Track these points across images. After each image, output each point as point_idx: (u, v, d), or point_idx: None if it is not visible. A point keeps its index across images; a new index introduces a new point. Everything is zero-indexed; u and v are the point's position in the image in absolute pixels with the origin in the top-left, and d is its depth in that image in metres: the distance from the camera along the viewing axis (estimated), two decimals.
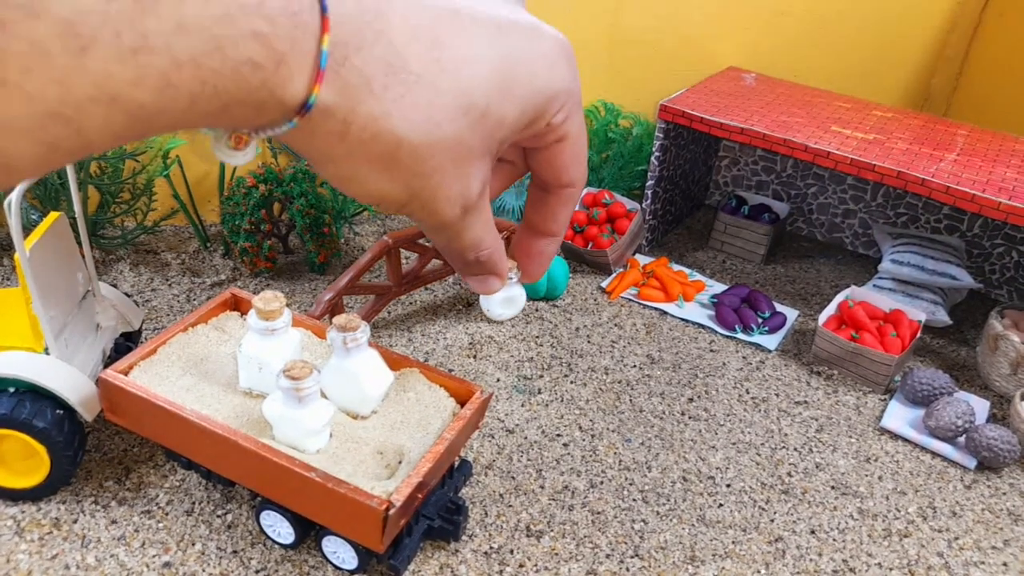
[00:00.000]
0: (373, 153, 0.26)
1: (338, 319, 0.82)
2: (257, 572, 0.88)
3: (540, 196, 0.34)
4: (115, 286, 1.18)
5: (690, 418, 1.17)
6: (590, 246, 1.49)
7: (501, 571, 0.90)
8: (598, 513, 0.99)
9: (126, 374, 0.86)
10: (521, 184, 1.60)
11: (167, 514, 0.93)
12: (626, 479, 1.05)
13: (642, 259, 1.54)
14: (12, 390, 0.87)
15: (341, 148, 0.25)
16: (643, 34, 1.57)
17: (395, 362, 0.93)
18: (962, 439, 1.14)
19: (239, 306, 1.01)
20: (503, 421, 1.12)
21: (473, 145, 0.27)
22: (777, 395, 1.23)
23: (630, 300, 1.43)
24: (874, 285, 1.45)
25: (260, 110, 0.23)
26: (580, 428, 1.12)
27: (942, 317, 1.37)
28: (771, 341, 1.35)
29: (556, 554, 0.93)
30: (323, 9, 0.23)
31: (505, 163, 0.34)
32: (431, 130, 0.26)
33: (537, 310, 1.38)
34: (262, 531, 0.90)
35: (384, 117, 0.25)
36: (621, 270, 1.51)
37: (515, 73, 0.27)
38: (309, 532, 0.89)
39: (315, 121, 0.24)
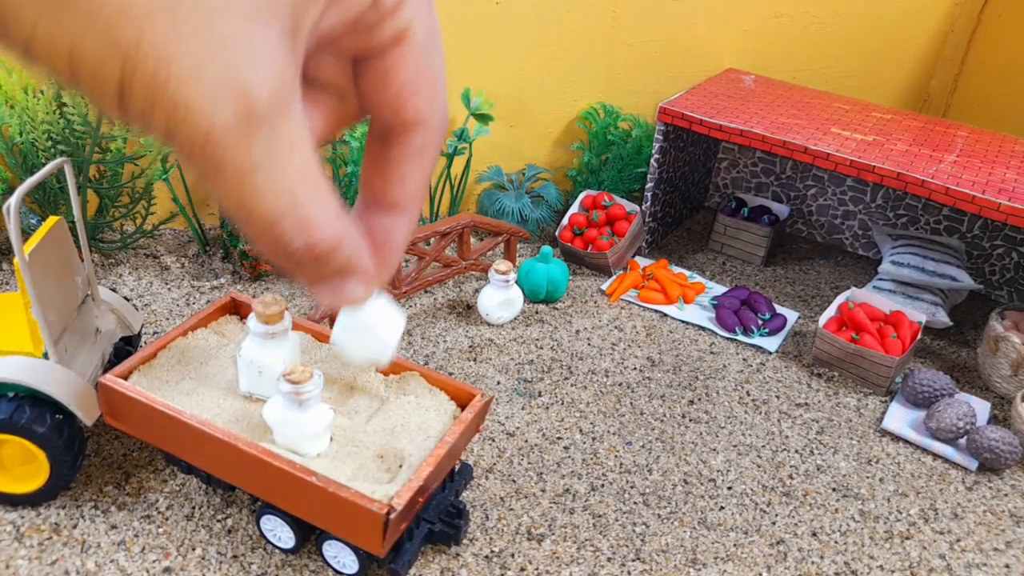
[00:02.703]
0: None
1: None
2: None
3: (379, 149, 0.23)
4: (114, 290, 1.18)
5: (691, 420, 1.16)
6: (590, 248, 1.49)
7: (503, 575, 0.90)
8: (599, 516, 0.99)
9: (126, 378, 0.86)
10: (520, 187, 1.60)
11: (167, 519, 0.93)
12: (627, 482, 1.04)
13: (642, 261, 1.54)
14: (11, 395, 0.87)
15: None
16: (642, 36, 1.57)
17: (395, 366, 0.93)
18: (963, 440, 1.14)
19: (239, 310, 1.01)
20: (503, 424, 1.12)
21: None
22: (778, 397, 1.23)
23: (630, 302, 1.43)
24: (874, 286, 1.45)
25: None
26: (581, 431, 1.12)
27: (942, 318, 1.37)
28: (771, 343, 1.34)
29: (557, 557, 0.93)
30: None
31: (330, 93, 0.22)
32: None
33: (537, 312, 1.38)
34: (262, 536, 0.90)
35: None
36: (621, 272, 1.50)
37: None
38: (309, 536, 0.88)
39: None
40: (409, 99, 0.21)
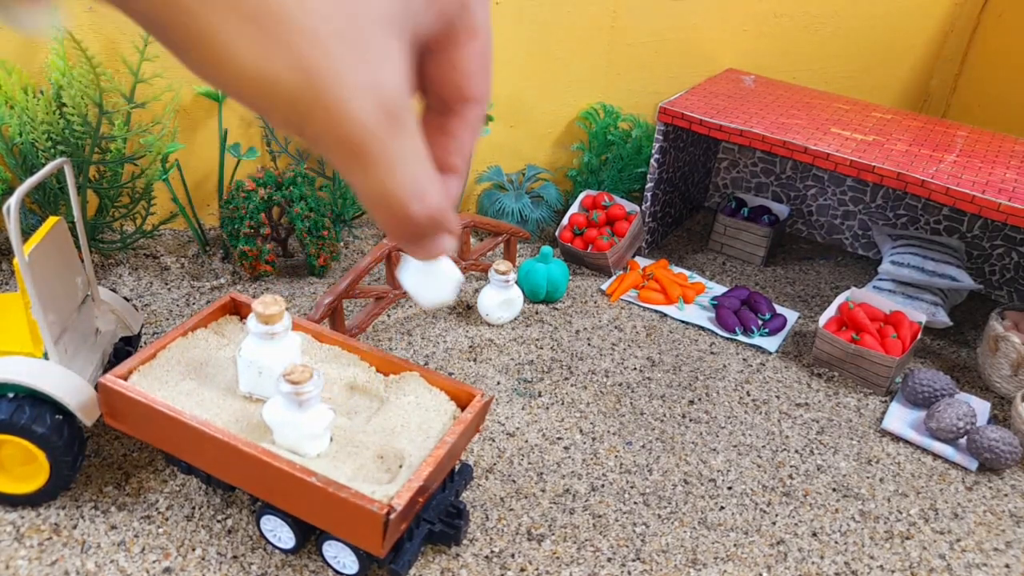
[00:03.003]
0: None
1: None
2: None
3: (438, 121, 0.26)
4: (114, 290, 1.18)
5: (691, 420, 1.16)
6: (590, 248, 1.49)
7: (503, 575, 0.90)
8: (599, 516, 0.99)
9: (126, 379, 0.86)
10: (520, 187, 1.60)
11: (167, 519, 0.93)
12: (627, 482, 1.04)
13: (642, 261, 1.54)
14: (11, 395, 0.87)
15: None
16: (642, 36, 1.57)
17: (395, 366, 0.93)
18: (963, 441, 1.14)
19: (239, 310, 1.01)
20: (503, 424, 1.12)
21: (382, 10, 0.20)
22: (778, 397, 1.23)
23: (630, 302, 1.43)
24: (874, 286, 1.45)
25: None
26: (581, 431, 1.12)
27: (942, 318, 1.37)
28: (771, 343, 1.34)
29: (557, 558, 0.93)
30: None
31: None
32: None
33: (537, 313, 1.38)
34: (262, 536, 0.90)
35: None
36: (621, 272, 1.50)
37: None
38: (309, 537, 0.88)
39: None
40: (472, 80, 0.25)
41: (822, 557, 0.96)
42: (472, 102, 0.26)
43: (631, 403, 1.19)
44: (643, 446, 1.11)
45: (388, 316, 1.33)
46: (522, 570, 0.91)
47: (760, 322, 1.36)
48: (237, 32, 0.18)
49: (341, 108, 0.20)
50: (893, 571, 0.95)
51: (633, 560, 0.93)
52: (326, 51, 0.19)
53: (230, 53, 0.19)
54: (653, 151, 1.47)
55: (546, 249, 1.38)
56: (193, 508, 0.95)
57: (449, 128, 0.26)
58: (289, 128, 0.20)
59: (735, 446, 1.12)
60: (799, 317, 1.44)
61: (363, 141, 0.20)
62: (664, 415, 1.17)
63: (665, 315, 1.40)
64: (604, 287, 1.46)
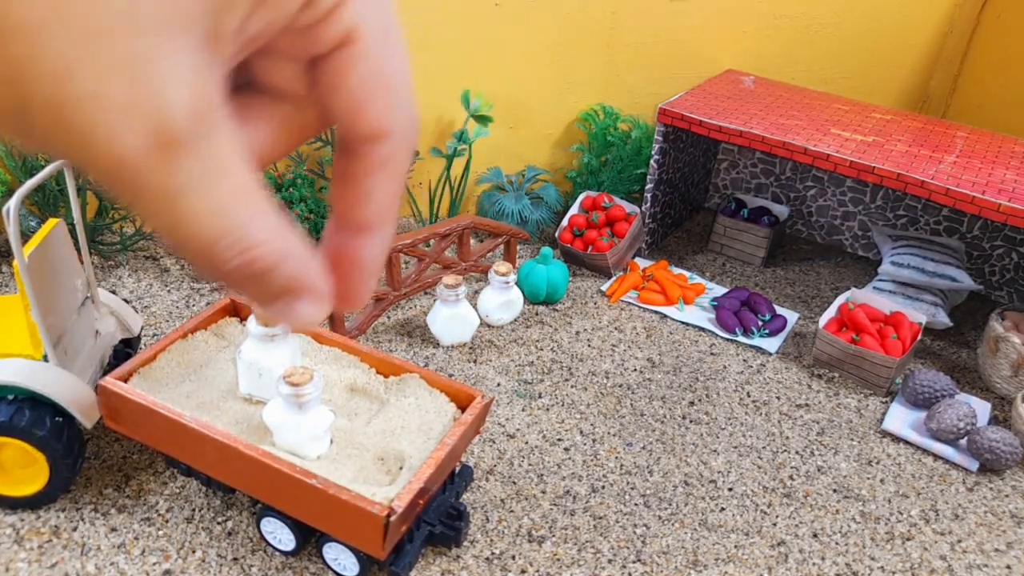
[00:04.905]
0: None
1: (446, 279, 1.18)
2: None
3: (343, 164, 0.20)
4: (114, 292, 1.18)
5: (691, 422, 1.16)
6: (590, 249, 1.49)
7: None
8: (600, 518, 0.99)
9: (125, 381, 0.86)
10: (520, 189, 1.60)
11: (167, 521, 0.93)
12: (627, 483, 1.04)
13: (642, 262, 1.54)
14: (11, 398, 0.87)
15: None
16: (641, 37, 1.57)
17: (395, 367, 0.93)
18: (964, 441, 1.14)
19: (238, 312, 1.00)
20: (504, 426, 1.12)
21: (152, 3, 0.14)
22: (778, 398, 1.23)
23: (630, 303, 1.43)
24: (874, 287, 1.45)
25: None
26: (581, 432, 1.12)
27: (942, 319, 1.37)
28: (772, 344, 1.34)
29: (558, 559, 0.93)
30: None
31: (285, 101, 0.20)
32: None
33: (537, 314, 1.37)
34: (263, 538, 0.90)
35: None
36: (621, 273, 1.50)
37: None
38: (310, 539, 0.88)
39: None
40: (363, 107, 0.19)
41: (823, 558, 0.96)
42: (373, 137, 0.19)
43: (631, 404, 1.19)
44: (643, 447, 1.11)
45: (388, 318, 1.33)
46: (523, 572, 0.91)
47: (760, 323, 1.36)
48: None
49: (82, 123, 0.15)
50: (894, 572, 0.95)
51: (634, 562, 0.93)
52: (35, 47, 0.14)
53: None
54: (653, 152, 1.47)
55: (546, 250, 1.37)
56: (193, 510, 0.94)
57: (350, 172, 0.20)
58: (41, 148, 0.16)
59: (735, 447, 1.12)
60: (799, 318, 1.44)
61: (129, 175, 0.15)
62: (664, 416, 1.17)
63: (665, 316, 1.40)
64: (604, 288, 1.46)
